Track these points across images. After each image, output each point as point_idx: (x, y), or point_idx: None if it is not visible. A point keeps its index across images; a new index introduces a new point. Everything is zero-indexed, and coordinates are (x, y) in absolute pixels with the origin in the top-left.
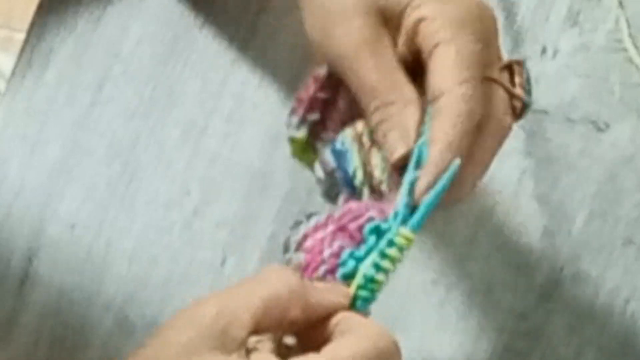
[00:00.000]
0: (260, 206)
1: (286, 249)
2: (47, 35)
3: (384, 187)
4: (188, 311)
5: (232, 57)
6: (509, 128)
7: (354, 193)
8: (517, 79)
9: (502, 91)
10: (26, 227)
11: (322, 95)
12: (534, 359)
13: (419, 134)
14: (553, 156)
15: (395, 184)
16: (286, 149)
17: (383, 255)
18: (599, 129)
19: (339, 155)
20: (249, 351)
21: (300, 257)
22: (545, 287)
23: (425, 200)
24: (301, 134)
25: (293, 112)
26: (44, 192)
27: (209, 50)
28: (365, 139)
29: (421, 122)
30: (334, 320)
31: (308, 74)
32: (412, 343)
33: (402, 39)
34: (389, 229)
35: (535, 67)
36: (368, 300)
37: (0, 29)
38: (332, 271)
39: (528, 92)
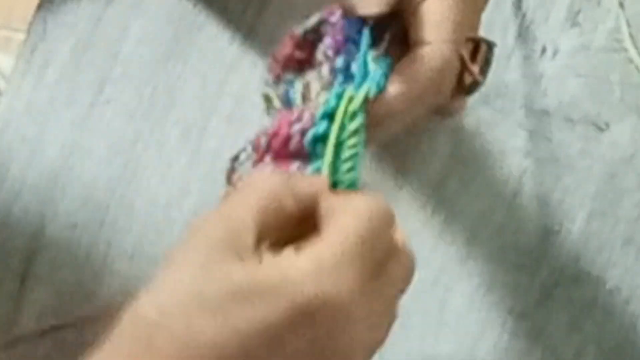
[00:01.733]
0: None
1: (237, 157)
2: (47, 35)
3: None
4: (195, 230)
5: (232, 57)
6: (445, 97)
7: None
8: (478, 57)
9: (458, 61)
10: (26, 226)
11: (297, 54)
12: (534, 359)
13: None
14: (553, 156)
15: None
16: None
17: (348, 115)
18: (599, 129)
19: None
20: (260, 255)
21: (262, 140)
22: (545, 287)
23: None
24: (279, 91)
25: (269, 70)
26: (44, 192)
27: (209, 50)
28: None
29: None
30: (322, 207)
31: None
32: (412, 343)
33: None
34: (326, 130)
35: (535, 67)
36: (354, 177)
37: (0, 29)
38: (303, 133)
39: (484, 72)
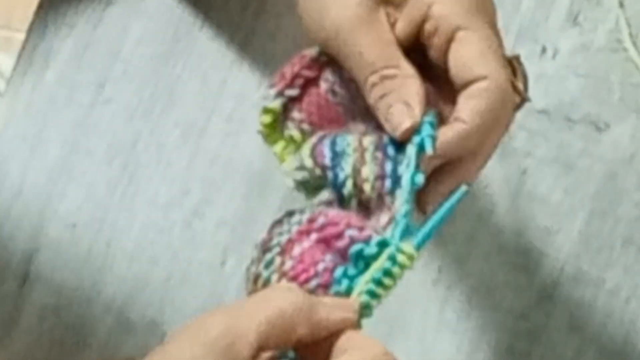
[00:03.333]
0: (260, 206)
1: (267, 249)
2: (47, 35)
3: (371, 204)
4: (193, 326)
5: (232, 57)
6: (511, 122)
7: (340, 200)
8: (518, 74)
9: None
10: (26, 227)
11: (305, 73)
12: (534, 359)
13: (424, 110)
14: (553, 156)
15: (382, 203)
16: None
17: (385, 272)
18: (599, 129)
19: (336, 156)
20: None
21: (287, 264)
22: (545, 287)
23: (431, 219)
24: (275, 104)
25: (272, 85)
26: (44, 192)
27: (209, 50)
28: (368, 155)
29: (425, 96)
30: (340, 339)
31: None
32: (412, 343)
33: (404, 20)
34: (373, 255)
35: (535, 67)
36: (369, 313)
37: (0, 29)
38: (325, 286)
39: (526, 88)
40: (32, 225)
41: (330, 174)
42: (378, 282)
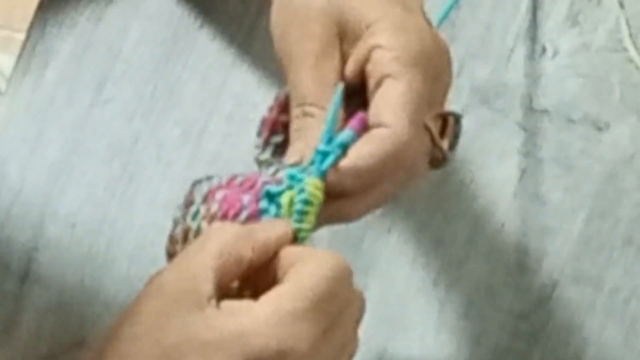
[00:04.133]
0: None
1: (189, 202)
2: (47, 35)
3: None
4: (148, 287)
5: (232, 57)
6: (421, 174)
7: None
8: (447, 132)
9: (428, 138)
10: (26, 226)
11: (283, 118)
12: (534, 359)
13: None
14: (553, 156)
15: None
16: None
17: (301, 202)
18: (599, 129)
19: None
20: (219, 304)
21: (214, 207)
22: (545, 287)
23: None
24: (265, 155)
25: (259, 134)
26: (44, 192)
27: (209, 50)
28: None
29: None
30: (281, 256)
31: (273, 97)
32: (412, 343)
33: (353, 58)
34: (281, 191)
35: (535, 67)
36: (304, 235)
37: (0, 29)
38: (254, 217)
39: (453, 147)
40: (32, 225)
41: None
42: (300, 211)
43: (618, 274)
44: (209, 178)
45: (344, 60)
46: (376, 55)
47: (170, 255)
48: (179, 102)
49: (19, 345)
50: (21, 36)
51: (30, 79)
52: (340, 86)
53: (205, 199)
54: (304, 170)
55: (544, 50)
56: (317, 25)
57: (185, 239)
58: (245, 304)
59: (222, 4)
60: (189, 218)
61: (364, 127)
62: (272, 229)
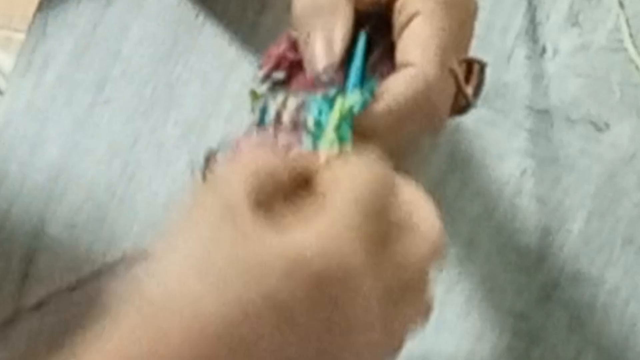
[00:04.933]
0: None
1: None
2: (47, 35)
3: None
4: (190, 207)
5: (232, 57)
6: (442, 120)
7: None
8: (472, 78)
9: (453, 82)
10: (26, 227)
11: (290, 55)
12: (534, 359)
13: (345, 48)
14: (553, 156)
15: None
16: None
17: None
18: (599, 129)
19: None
20: (261, 226)
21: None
22: (545, 287)
23: (351, 71)
24: (262, 89)
25: (260, 67)
26: (44, 192)
27: (209, 50)
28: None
29: (348, 35)
30: (318, 177)
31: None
32: (412, 343)
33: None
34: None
35: (535, 67)
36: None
37: (0, 29)
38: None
39: (477, 93)
40: (32, 225)
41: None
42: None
43: (618, 274)
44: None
45: None
46: None
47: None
48: (179, 102)
49: (19, 345)
50: (21, 36)
51: (30, 79)
52: (363, 35)
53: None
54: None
55: (544, 50)
56: None
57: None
58: (289, 227)
59: (222, 4)
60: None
61: (389, 73)
62: (307, 154)
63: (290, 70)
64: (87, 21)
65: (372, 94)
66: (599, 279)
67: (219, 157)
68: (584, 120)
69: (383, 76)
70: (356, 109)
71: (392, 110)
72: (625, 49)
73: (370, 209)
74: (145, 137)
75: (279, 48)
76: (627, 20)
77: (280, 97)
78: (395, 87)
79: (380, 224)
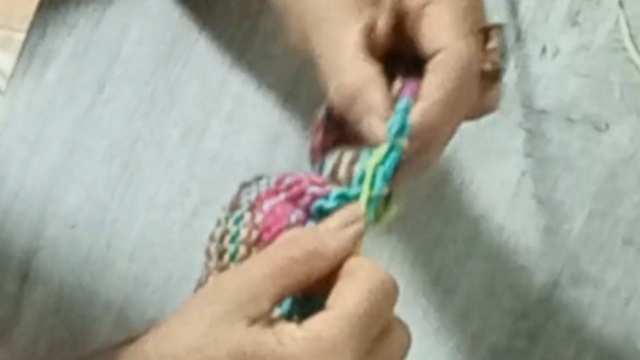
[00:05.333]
0: None
1: (235, 206)
2: (47, 35)
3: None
4: (207, 289)
5: (232, 57)
6: (475, 95)
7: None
8: (490, 44)
9: (480, 52)
10: (26, 227)
11: (329, 138)
12: (534, 359)
13: (391, 105)
14: (553, 156)
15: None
16: (286, 149)
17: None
18: (599, 129)
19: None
20: (271, 318)
21: (258, 217)
22: (545, 287)
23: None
24: (326, 173)
25: (313, 161)
26: (44, 192)
27: (208, 50)
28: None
29: (388, 94)
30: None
31: (303, 99)
32: (412, 343)
33: (385, 10)
34: (332, 208)
35: (535, 67)
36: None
37: (0, 29)
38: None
39: (503, 56)
40: (32, 225)
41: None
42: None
43: (618, 274)
44: (257, 179)
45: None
46: None
47: (206, 253)
48: (179, 102)
49: (19, 345)
50: (21, 36)
51: (30, 79)
52: (405, 100)
53: (252, 207)
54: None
55: (544, 50)
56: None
57: (221, 240)
58: (291, 329)
59: (222, 4)
60: (231, 221)
61: (416, 93)
62: (342, 234)
63: (335, 143)
64: (87, 21)
65: (408, 112)
66: (599, 279)
67: (244, 201)
68: (584, 120)
69: (414, 91)
70: (393, 156)
71: (439, 101)
72: (625, 49)
73: (367, 321)
74: (145, 137)
75: (318, 137)
76: (627, 20)
77: (337, 153)
78: (434, 80)
79: (371, 334)
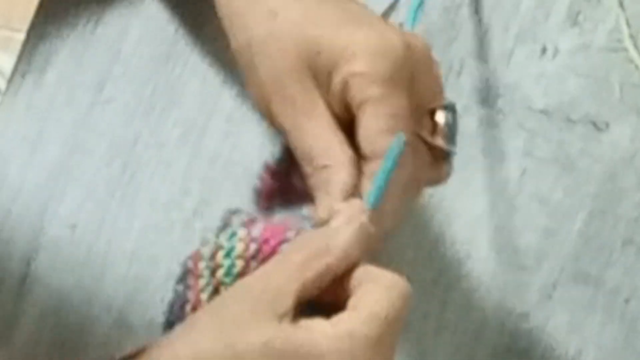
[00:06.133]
0: None
1: (226, 224)
2: (47, 35)
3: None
4: (232, 290)
5: (232, 57)
6: (421, 184)
7: None
8: (439, 128)
9: (422, 144)
10: (26, 227)
11: (276, 184)
12: (534, 358)
13: (347, 195)
14: (553, 156)
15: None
16: None
17: None
18: (599, 129)
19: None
20: (296, 315)
21: (255, 231)
22: (545, 287)
23: (376, 178)
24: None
25: (257, 204)
26: (44, 192)
27: (209, 50)
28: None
29: (352, 183)
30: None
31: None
32: (412, 343)
33: (333, 96)
34: None
35: (535, 67)
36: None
37: (0, 29)
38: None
39: (452, 137)
40: (32, 225)
41: None
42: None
43: (618, 274)
44: (245, 212)
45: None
46: (353, 83)
47: (185, 273)
48: (179, 102)
49: (19, 346)
50: (21, 36)
51: (30, 79)
52: (398, 141)
53: (246, 224)
54: None
55: (544, 50)
56: (290, 86)
57: (213, 257)
58: (320, 324)
59: None
60: (223, 237)
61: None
62: (348, 232)
63: (283, 194)
64: (87, 21)
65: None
66: (599, 279)
67: (235, 221)
68: (584, 120)
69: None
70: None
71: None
72: (625, 49)
73: (393, 325)
74: (145, 137)
75: (265, 183)
76: (627, 20)
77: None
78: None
79: (396, 337)
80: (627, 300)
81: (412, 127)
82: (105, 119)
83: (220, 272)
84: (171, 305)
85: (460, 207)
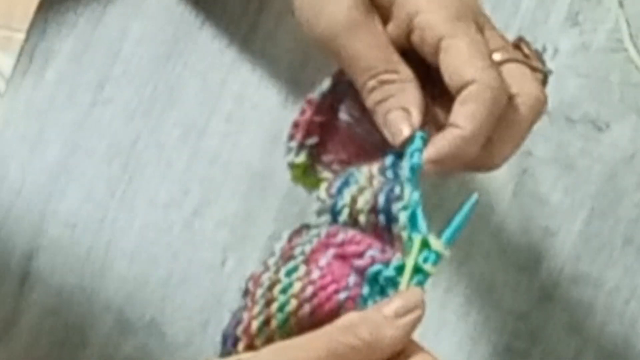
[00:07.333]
0: (260, 206)
1: (289, 257)
2: (47, 35)
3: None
4: (264, 354)
5: (232, 57)
6: (543, 99)
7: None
8: (527, 52)
9: (523, 67)
10: (26, 227)
11: (318, 118)
12: (534, 359)
13: (422, 115)
14: (553, 156)
15: (372, 230)
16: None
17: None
18: (599, 129)
19: (342, 186)
20: None
21: (315, 274)
22: (545, 287)
23: (447, 229)
24: (300, 159)
25: (291, 137)
26: (44, 192)
27: (209, 50)
28: (375, 182)
29: (423, 103)
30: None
31: (303, 98)
32: None
33: (393, 30)
34: (390, 278)
35: None
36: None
37: (0, 29)
38: (353, 299)
39: (542, 61)
40: (32, 225)
41: (331, 203)
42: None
43: (618, 274)
44: (306, 227)
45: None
46: (420, 22)
47: (245, 292)
48: (179, 102)
49: (19, 345)
50: (21, 36)
51: (30, 79)
52: (472, 200)
53: (307, 260)
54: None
55: (544, 50)
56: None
57: (270, 289)
58: None
59: (222, 4)
60: (282, 272)
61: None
62: (398, 325)
63: (321, 133)
64: (87, 21)
65: (424, 140)
66: (599, 279)
67: (298, 251)
68: (584, 120)
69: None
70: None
71: (474, 130)
72: (625, 49)
73: None
74: (145, 137)
75: (305, 115)
76: (627, 20)
77: (347, 196)
78: (468, 110)
79: None
80: (627, 300)
81: (490, 54)
82: (105, 119)
83: (274, 306)
84: (230, 318)
85: (461, 207)
